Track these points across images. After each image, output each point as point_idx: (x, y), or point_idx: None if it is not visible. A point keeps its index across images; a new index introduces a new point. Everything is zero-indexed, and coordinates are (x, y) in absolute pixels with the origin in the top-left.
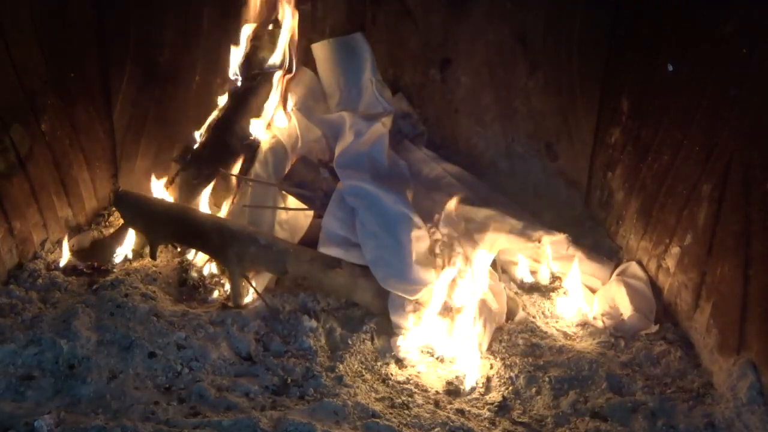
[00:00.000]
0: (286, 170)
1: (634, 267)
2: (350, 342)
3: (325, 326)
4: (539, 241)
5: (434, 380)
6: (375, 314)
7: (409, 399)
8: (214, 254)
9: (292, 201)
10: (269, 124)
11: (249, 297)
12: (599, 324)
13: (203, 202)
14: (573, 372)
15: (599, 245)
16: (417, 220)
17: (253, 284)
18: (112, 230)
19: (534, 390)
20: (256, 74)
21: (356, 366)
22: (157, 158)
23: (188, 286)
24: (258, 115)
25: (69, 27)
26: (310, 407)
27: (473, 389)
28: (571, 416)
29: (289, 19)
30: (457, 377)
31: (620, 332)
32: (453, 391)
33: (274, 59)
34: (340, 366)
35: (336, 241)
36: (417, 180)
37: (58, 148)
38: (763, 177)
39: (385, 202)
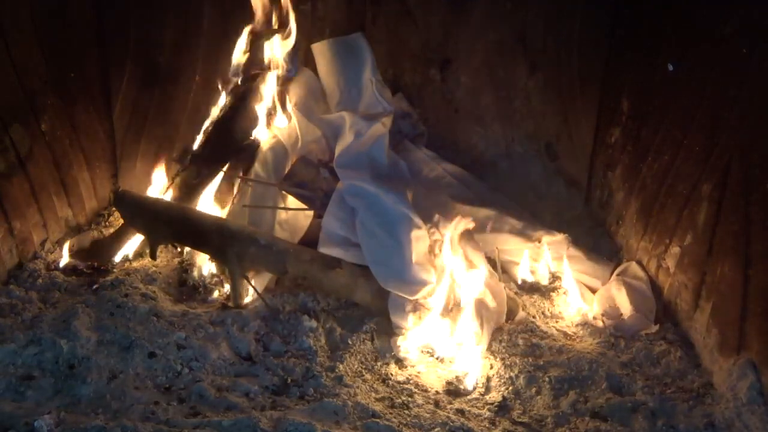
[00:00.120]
0: (286, 170)
1: (634, 267)
2: (350, 342)
3: (325, 326)
4: (539, 241)
5: (434, 380)
6: (375, 314)
7: (409, 399)
8: (214, 254)
9: (292, 201)
10: (269, 124)
11: (249, 297)
12: (599, 324)
13: (205, 202)
14: (573, 372)
15: (599, 245)
16: (417, 220)
17: (253, 284)
18: (112, 230)
19: (534, 390)
20: (256, 74)
21: (356, 366)
22: (157, 158)
23: (188, 286)
24: (258, 115)
25: (69, 27)
26: (310, 407)
27: (473, 389)
28: (571, 416)
29: (288, 19)
30: (457, 377)
31: (620, 332)
32: (453, 391)
33: (274, 59)
34: (340, 366)
35: (336, 241)
36: (417, 180)
37: (58, 148)
38: (763, 177)
39: (385, 202)
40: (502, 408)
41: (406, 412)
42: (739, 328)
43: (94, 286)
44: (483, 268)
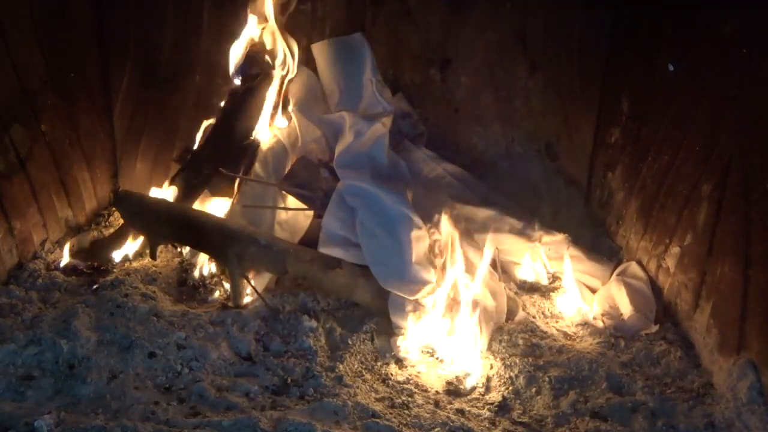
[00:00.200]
0: (286, 170)
1: (634, 267)
2: (350, 342)
3: (325, 326)
4: (539, 241)
5: (434, 380)
6: (375, 314)
7: (409, 399)
8: (214, 254)
9: (292, 201)
10: (269, 124)
11: (249, 297)
12: (599, 324)
13: (205, 202)
14: (573, 372)
15: (599, 245)
16: (417, 220)
17: (253, 284)
18: (112, 230)
19: (534, 390)
20: (256, 74)
21: (356, 366)
22: (157, 158)
23: (188, 286)
24: (258, 115)
25: (69, 27)
26: (310, 407)
27: (473, 389)
28: (571, 416)
29: (288, 19)
30: (457, 377)
31: (620, 332)
32: (453, 391)
33: (274, 59)
34: (340, 366)
35: (336, 241)
36: (417, 180)
37: (58, 148)
38: (763, 177)
39: (385, 202)
40: (502, 408)
41: (406, 412)
42: (739, 328)
43: (94, 286)
44: (482, 268)
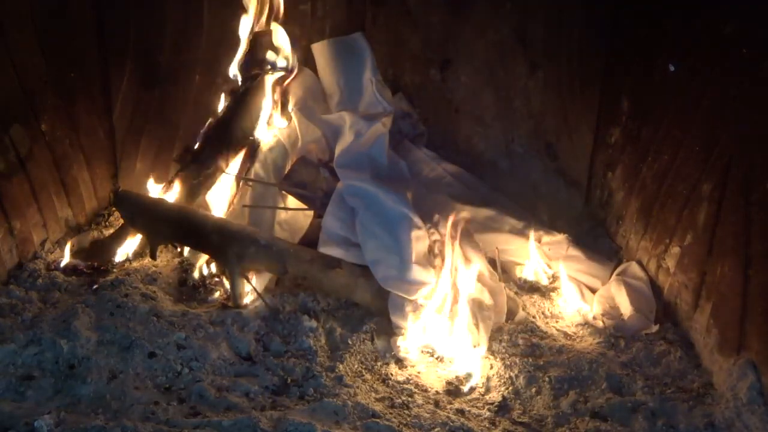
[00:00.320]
0: (286, 170)
1: (634, 267)
2: (350, 342)
3: (325, 326)
4: (539, 241)
5: (434, 380)
6: (375, 314)
7: (409, 399)
8: (214, 254)
9: (292, 201)
10: (269, 124)
11: (249, 297)
12: (599, 324)
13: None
14: (573, 372)
15: (599, 245)
16: (417, 220)
17: (253, 284)
18: (112, 230)
19: (534, 390)
20: (256, 74)
21: (356, 366)
22: (157, 158)
23: (188, 286)
24: (258, 115)
25: (69, 27)
26: (310, 407)
27: (473, 389)
28: (571, 416)
29: (288, 18)
30: (457, 377)
31: (620, 332)
32: (453, 391)
33: (275, 59)
34: (340, 366)
35: (336, 241)
36: (417, 180)
37: (58, 148)
38: (763, 177)
39: (385, 202)
40: (502, 408)
41: (406, 412)
42: (739, 328)
43: (94, 286)
44: (477, 265)
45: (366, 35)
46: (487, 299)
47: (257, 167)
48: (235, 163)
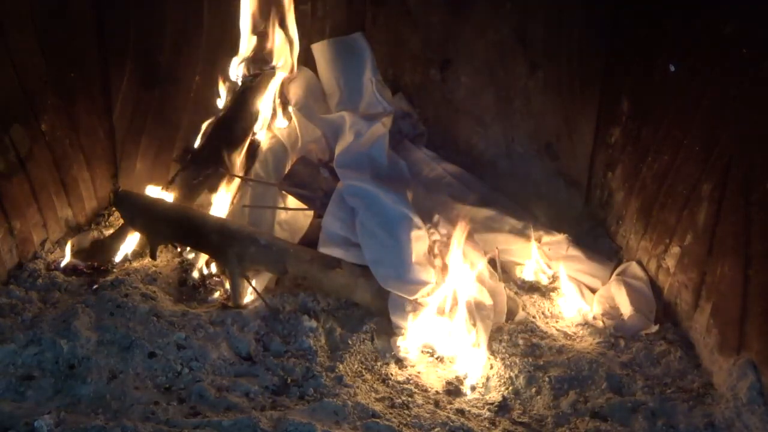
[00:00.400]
0: (286, 170)
1: (634, 267)
2: (350, 342)
3: (325, 326)
4: (539, 241)
5: (434, 380)
6: (375, 314)
7: (409, 399)
8: (214, 254)
9: (292, 201)
10: (269, 124)
11: (249, 297)
12: (599, 324)
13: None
14: (573, 372)
15: (599, 245)
16: (417, 220)
17: (253, 284)
18: (112, 230)
19: (534, 390)
20: (256, 74)
21: (356, 366)
22: (157, 158)
23: (188, 286)
24: (258, 115)
25: (69, 27)
26: (310, 407)
27: (473, 389)
28: (571, 416)
29: (288, 18)
30: (457, 377)
31: (620, 332)
32: (453, 391)
33: (274, 59)
34: (340, 366)
35: (336, 241)
36: (417, 180)
37: (58, 148)
38: (763, 177)
39: (385, 202)
40: (502, 408)
41: (406, 412)
42: (739, 328)
43: (94, 286)
44: (477, 266)
45: (366, 35)
46: (487, 299)
47: (257, 167)
48: (236, 163)
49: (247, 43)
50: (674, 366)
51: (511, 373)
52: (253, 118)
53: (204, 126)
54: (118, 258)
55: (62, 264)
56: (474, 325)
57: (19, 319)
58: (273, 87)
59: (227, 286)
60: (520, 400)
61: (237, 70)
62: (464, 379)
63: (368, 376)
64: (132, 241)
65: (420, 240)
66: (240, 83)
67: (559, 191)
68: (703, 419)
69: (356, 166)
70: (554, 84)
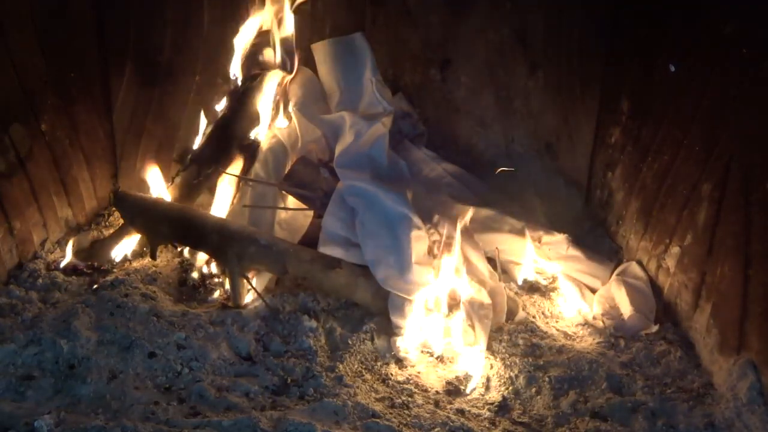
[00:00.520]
0: (286, 170)
1: (634, 267)
2: (350, 342)
3: (325, 326)
4: (539, 241)
5: (434, 380)
6: (375, 314)
7: (409, 399)
8: (214, 254)
9: (292, 201)
10: (269, 124)
11: (249, 297)
12: (599, 324)
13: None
14: (573, 372)
15: (599, 245)
16: (417, 220)
17: (253, 284)
18: (112, 230)
19: (534, 390)
20: (256, 74)
21: (356, 366)
22: (157, 158)
23: (188, 286)
24: (258, 115)
25: (69, 27)
26: (310, 407)
27: (473, 389)
28: (571, 416)
29: (288, 18)
30: (457, 377)
31: (620, 332)
32: (453, 391)
33: (274, 59)
34: (340, 366)
35: (336, 241)
36: (417, 180)
37: (58, 148)
38: (763, 177)
39: (385, 202)
40: (502, 408)
41: (406, 412)
42: (739, 328)
43: (94, 286)
44: (476, 266)
45: (366, 35)
46: (486, 299)
47: (257, 167)
48: (236, 163)
49: (247, 43)
50: (674, 366)
51: (511, 373)
52: (253, 118)
53: (204, 126)
54: (118, 258)
55: (62, 264)
56: (471, 326)
57: (19, 319)
58: (273, 87)
59: (227, 286)
60: (520, 400)
61: (237, 70)
62: (464, 379)
63: (368, 376)
64: (132, 241)
65: (420, 240)
66: (240, 83)
67: (559, 191)
68: (703, 419)
69: (356, 166)
70: (554, 84)
